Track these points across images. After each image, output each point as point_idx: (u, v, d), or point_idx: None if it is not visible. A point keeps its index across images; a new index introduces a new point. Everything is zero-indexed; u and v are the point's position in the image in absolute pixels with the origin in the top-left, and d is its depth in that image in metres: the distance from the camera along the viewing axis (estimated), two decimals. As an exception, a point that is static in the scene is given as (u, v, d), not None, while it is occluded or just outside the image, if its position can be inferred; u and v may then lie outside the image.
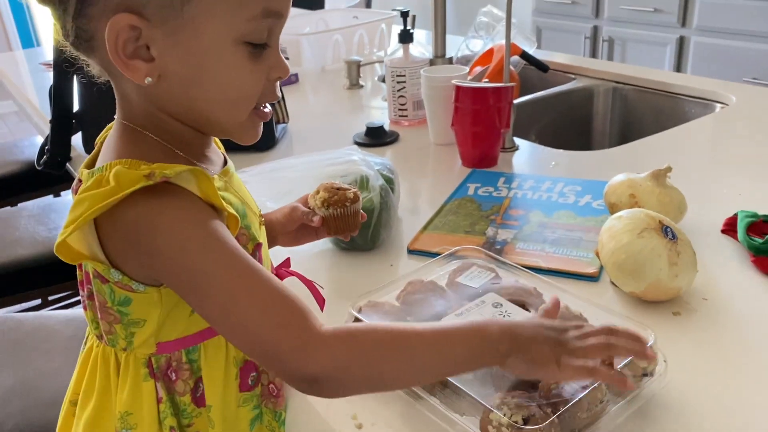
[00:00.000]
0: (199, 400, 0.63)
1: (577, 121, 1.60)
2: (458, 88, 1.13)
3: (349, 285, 0.85)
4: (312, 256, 0.91)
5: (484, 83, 1.14)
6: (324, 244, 0.92)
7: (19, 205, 2.11)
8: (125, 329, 0.60)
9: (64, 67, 1.26)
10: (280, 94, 0.64)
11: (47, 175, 1.45)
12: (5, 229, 1.73)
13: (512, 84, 1.13)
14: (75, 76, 1.27)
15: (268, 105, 0.62)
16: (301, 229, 0.81)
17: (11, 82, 2.01)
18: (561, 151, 1.21)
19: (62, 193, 2.28)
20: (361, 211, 0.81)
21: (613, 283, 0.78)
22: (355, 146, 0.96)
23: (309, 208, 0.80)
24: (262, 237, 0.67)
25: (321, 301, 0.73)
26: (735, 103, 1.39)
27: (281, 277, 0.71)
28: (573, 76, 1.66)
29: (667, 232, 0.73)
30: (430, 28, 1.43)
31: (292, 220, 0.80)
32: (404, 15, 1.36)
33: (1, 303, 1.57)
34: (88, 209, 0.52)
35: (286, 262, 0.75)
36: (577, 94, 1.60)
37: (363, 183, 0.88)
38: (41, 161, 1.33)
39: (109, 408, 0.63)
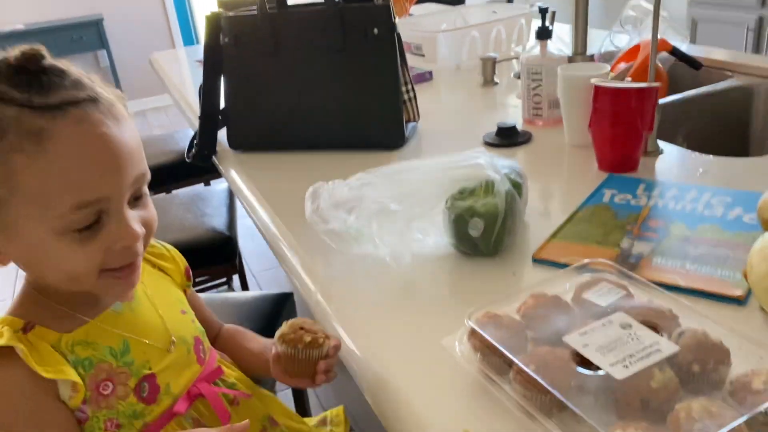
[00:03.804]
0: None
1: (733, 124, 1.47)
2: (597, 89, 1.06)
3: (469, 292, 0.83)
4: (434, 260, 0.90)
5: (626, 83, 1.07)
6: (446, 248, 0.91)
7: (173, 192, 2.28)
8: None
9: (213, 67, 1.35)
10: (140, 251, 0.68)
11: (198, 165, 1.54)
12: (159, 215, 1.88)
13: (657, 84, 1.05)
14: (222, 76, 1.34)
15: (135, 258, 0.67)
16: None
17: (169, 77, 2.17)
18: (711, 157, 1.12)
19: (212, 182, 2.44)
20: (327, 352, 0.76)
21: (762, 309, 0.70)
22: (483, 148, 0.94)
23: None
24: (164, 364, 0.73)
25: (224, 418, 0.77)
26: None
27: (191, 393, 0.76)
28: (730, 73, 1.52)
29: (831, 256, 0.64)
30: (572, 22, 1.36)
31: (266, 350, 0.84)
32: (543, 11, 1.31)
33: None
34: None
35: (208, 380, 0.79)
36: (734, 94, 1.46)
37: (488, 188, 0.86)
38: (190, 154, 1.42)
39: None
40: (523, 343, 0.65)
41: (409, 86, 1.34)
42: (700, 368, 0.58)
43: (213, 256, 1.73)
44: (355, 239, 0.91)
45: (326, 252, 0.93)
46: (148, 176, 0.67)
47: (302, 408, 1.49)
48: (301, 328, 0.77)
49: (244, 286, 2.03)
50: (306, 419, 0.94)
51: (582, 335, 0.62)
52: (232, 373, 0.82)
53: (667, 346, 0.59)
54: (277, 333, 0.78)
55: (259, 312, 1.36)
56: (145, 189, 0.68)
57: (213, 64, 1.34)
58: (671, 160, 1.13)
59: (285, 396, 1.83)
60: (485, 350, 0.64)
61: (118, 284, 0.68)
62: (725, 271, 0.77)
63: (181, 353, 0.76)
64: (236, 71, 1.33)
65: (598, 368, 0.58)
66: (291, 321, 0.78)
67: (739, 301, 0.72)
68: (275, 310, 1.36)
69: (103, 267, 0.65)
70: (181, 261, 0.84)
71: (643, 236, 0.87)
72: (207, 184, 2.45)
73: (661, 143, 1.17)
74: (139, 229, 0.65)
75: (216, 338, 0.91)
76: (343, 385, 0.89)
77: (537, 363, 0.60)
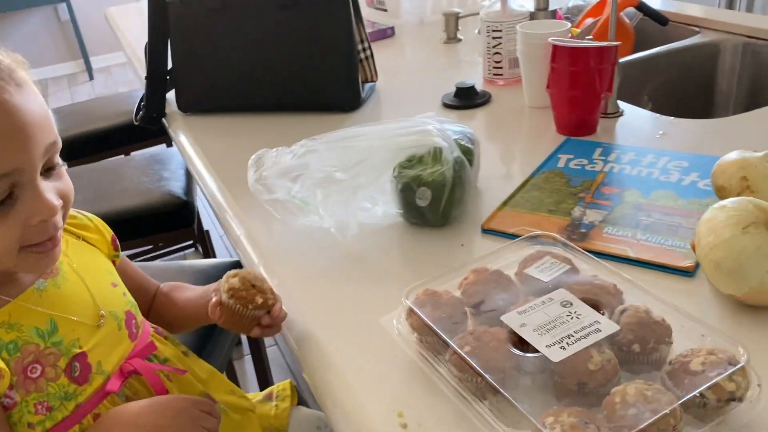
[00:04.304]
0: None
1: (699, 82, 1.43)
2: (555, 47, 1.02)
3: (416, 264, 0.80)
4: (381, 230, 0.87)
5: (585, 41, 1.03)
6: (395, 217, 0.87)
7: (132, 153, 2.21)
8: None
9: (158, 24, 1.28)
10: (59, 224, 0.64)
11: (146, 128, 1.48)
12: (115, 179, 1.82)
13: (617, 43, 1.01)
14: (169, 36, 1.28)
15: (55, 233, 0.64)
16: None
17: (123, 34, 2.08)
18: (671, 118, 1.08)
19: (173, 143, 2.37)
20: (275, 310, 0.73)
21: (710, 282, 0.68)
22: (433, 113, 0.90)
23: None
24: (94, 341, 0.70)
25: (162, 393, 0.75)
26: None
27: (124, 371, 0.73)
28: (697, 29, 1.48)
29: (780, 228, 0.62)
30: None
31: (205, 295, 0.81)
32: (503, -36, 1.25)
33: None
34: None
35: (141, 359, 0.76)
36: (700, 51, 1.42)
37: (436, 156, 0.82)
38: (138, 116, 1.36)
39: None
40: (462, 322, 0.62)
41: (366, 44, 1.28)
42: (640, 348, 0.56)
43: (170, 222, 1.68)
44: (299, 209, 0.87)
45: (271, 222, 0.90)
46: (59, 145, 0.63)
47: (263, 377, 1.48)
48: (253, 286, 0.73)
49: (206, 252, 1.99)
50: (251, 394, 0.91)
51: (521, 314, 0.59)
52: (165, 349, 0.79)
53: (607, 326, 0.57)
54: (227, 284, 0.73)
55: (215, 280, 1.32)
56: (58, 159, 0.64)
57: (158, 21, 1.27)
58: (632, 122, 1.10)
59: (248, 362, 1.82)
60: (422, 330, 0.62)
61: (40, 260, 0.64)
62: (676, 241, 0.74)
63: (111, 329, 0.72)
64: (182, 29, 1.26)
65: (536, 349, 0.56)
66: (241, 274, 0.74)
67: (687, 273, 0.70)
68: (230, 278, 1.33)
69: (23, 244, 0.62)
70: (107, 231, 0.80)
71: (595, 204, 0.84)
72: (170, 145, 2.37)
73: (623, 104, 1.14)
74: (56, 201, 0.62)
75: (153, 299, 0.88)
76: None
77: (473, 344, 0.57)
